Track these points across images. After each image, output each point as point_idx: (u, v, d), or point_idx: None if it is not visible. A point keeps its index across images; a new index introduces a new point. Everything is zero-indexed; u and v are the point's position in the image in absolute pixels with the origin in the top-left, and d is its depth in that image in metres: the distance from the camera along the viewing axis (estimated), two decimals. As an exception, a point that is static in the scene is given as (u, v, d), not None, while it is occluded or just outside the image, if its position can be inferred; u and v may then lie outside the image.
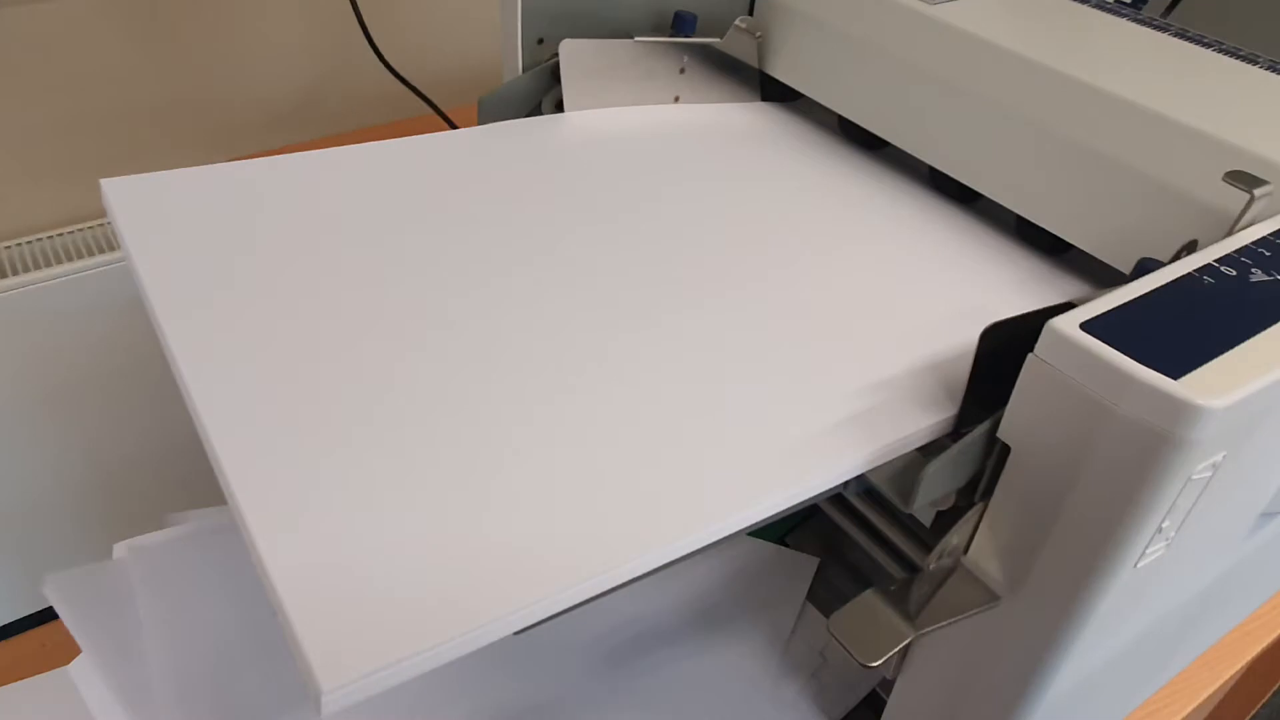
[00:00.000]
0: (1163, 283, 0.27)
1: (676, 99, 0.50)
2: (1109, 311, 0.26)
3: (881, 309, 0.36)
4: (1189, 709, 0.48)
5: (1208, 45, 0.42)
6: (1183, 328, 0.25)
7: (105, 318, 0.89)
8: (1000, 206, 0.42)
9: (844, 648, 0.26)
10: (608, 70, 0.47)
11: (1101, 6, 0.47)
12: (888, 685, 0.38)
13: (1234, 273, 0.27)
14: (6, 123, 0.84)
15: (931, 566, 0.29)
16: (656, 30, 0.49)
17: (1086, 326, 0.25)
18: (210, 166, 0.39)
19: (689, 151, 0.46)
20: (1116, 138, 0.37)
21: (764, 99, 0.53)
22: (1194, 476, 0.25)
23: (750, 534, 0.52)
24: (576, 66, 0.46)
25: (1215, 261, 0.28)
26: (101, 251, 0.87)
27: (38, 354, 0.87)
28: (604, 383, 0.31)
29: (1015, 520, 0.29)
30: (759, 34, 0.50)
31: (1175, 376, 0.24)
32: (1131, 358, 0.24)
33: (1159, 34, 0.43)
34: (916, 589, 0.29)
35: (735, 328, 0.34)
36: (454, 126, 0.72)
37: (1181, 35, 0.44)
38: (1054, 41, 0.42)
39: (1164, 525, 0.26)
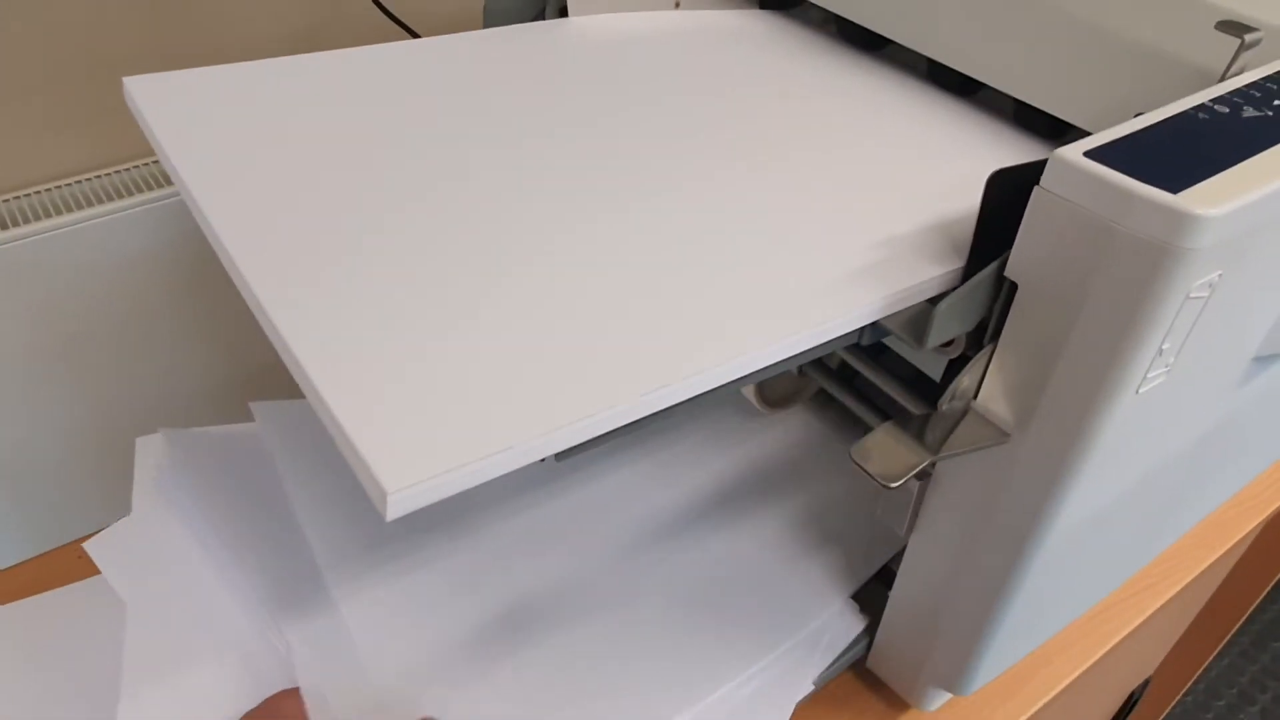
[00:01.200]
0: (1161, 119, 0.28)
1: (677, 4, 0.51)
2: (1112, 142, 0.27)
3: (885, 184, 0.37)
4: (1188, 579, 0.50)
5: None
6: (1181, 153, 0.27)
7: (109, 270, 0.89)
8: (1001, 96, 0.43)
9: (865, 471, 0.27)
10: (613, -24, 0.48)
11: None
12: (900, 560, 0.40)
13: (1227, 110, 0.29)
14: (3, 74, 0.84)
15: (944, 408, 0.31)
16: (656, -65, 0.50)
17: (1090, 154, 0.26)
18: (228, 65, 0.40)
19: (690, 53, 0.47)
20: (1105, 4, 0.38)
21: (762, 6, 0.54)
22: (1192, 294, 0.27)
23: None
24: (580, -30, 0.47)
25: (1210, 101, 0.29)
26: (100, 202, 0.87)
27: (41, 308, 0.88)
28: (626, 235, 0.32)
29: (1022, 358, 0.30)
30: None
31: (1174, 192, 0.25)
32: (1133, 178, 0.25)
33: None
34: (930, 428, 0.31)
35: (744, 200, 0.35)
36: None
37: None
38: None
39: (1164, 347, 0.28)
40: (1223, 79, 0.31)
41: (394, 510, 0.22)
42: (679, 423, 0.52)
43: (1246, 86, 0.30)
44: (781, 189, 0.36)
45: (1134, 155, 0.26)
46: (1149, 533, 0.43)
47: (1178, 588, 0.50)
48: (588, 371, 0.26)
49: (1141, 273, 0.26)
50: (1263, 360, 0.35)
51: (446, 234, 0.31)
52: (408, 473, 0.22)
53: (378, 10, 0.78)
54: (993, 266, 0.29)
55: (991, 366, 0.31)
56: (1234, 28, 0.31)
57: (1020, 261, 0.29)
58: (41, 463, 0.95)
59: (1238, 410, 0.38)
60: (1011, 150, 0.42)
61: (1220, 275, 0.27)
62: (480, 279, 0.30)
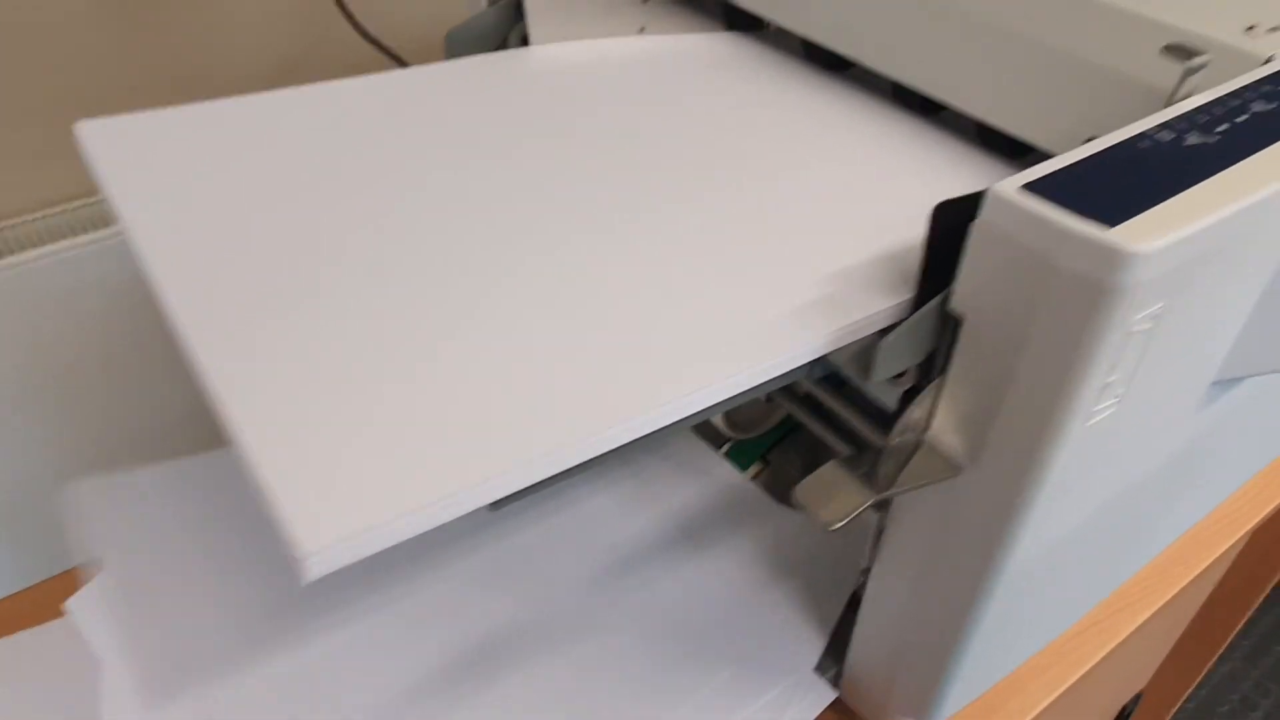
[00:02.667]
0: (1102, 148, 0.28)
1: (642, 29, 0.51)
2: (1050, 174, 0.27)
3: (842, 212, 0.37)
4: (1168, 597, 0.49)
5: None
6: (1120, 185, 0.26)
7: (93, 298, 0.89)
8: (964, 117, 0.43)
9: (808, 511, 0.27)
10: (571, 3, 0.48)
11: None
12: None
13: (1172, 136, 0.28)
14: (-15, 103, 0.84)
15: (894, 442, 0.31)
16: (616, -39, 0.50)
17: (1028, 187, 0.26)
18: (181, 107, 0.40)
19: (652, 80, 0.47)
20: (1057, 26, 0.38)
21: (730, 28, 0.54)
22: (1134, 328, 0.26)
23: (734, 450, 0.53)
24: (540, 2, 0.47)
25: (1153, 128, 0.29)
26: (88, 231, 0.87)
27: (31, 337, 0.88)
28: (571, 273, 0.32)
29: (971, 391, 0.30)
30: (720, -39, 0.51)
31: (1110, 226, 0.25)
32: (1069, 211, 0.25)
33: None
34: (882, 463, 0.31)
35: (696, 230, 0.35)
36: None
37: None
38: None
39: (1111, 381, 0.28)
40: (1169, 103, 0.31)
41: (312, 572, 0.22)
42: (640, 454, 0.52)
43: (1192, 112, 0.30)
44: (738, 219, 0.36)
45: (1072, 187, 0.26)
46: (1119, 555, 0.43)
47: (1157, 605, 0.49)
48: (522, 417, 0.26)
49: (1080, 309, 0.25)
50: (1223, 384, 0.35)
51: (387, 278, 0.31)
52: (326, 531, 0.22)
53: (364, 37, 0.79)
54: (936, 301, 0.29)
55: (941, 400, 0.31)
56: (1179, 52, 0.31)
57: (964, 295, 0.28)
58: (31, 493, 0.95)
59: (1202, 432, 0.37)
60: (973, 172, 0.42)
61: (1163, 306, 0.27)
62: (420, 322, 0.29)
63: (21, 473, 0.93)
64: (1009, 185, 0.26)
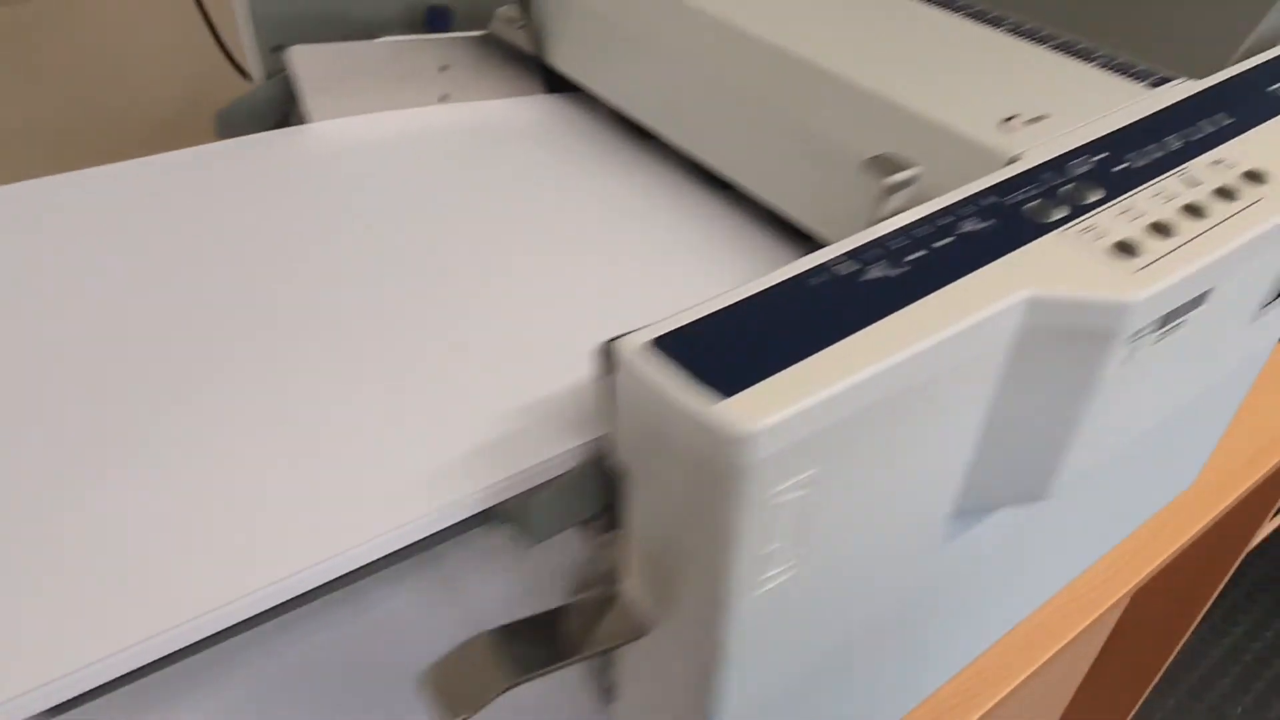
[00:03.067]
0: (766, 286, 0.25)
1: (444, 97, 0.48)
2: (694, 322, 0.24)
3: (573, 318, 0.34)
4: (1004, 691, 0.46)
5: (997, 25, 0.39)
6: (768, 336, 0.23)
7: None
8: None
9: (434, 701, 0.24)
10: (354, 75, 0.45)
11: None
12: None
13: (852, 269, 0.25)
14: None
15: (577, 598, 0.28)
16: (408, 28, 0.47)
17: (661, 341, 0.23)
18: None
19: (443, 155, 0.44)
20: (821, 111, 0.35)
21: (551, 90, 0.51)
22: (780, 500, 0.23)
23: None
24: (313, 74, 0.44)
25: (833, 259, 0.26)
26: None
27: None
28: (222, 406, 0.29)
29: (646, 549, 0.27)
30: (524, 23, 0.48)
31: (725, 396, 0.22)
32: (695, 376, 0.22)
33: (943, 11, 0.40)
34: (562, 622, 0.28)
35: (393, 350, 0.32)
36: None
37: (976, 15, 0.40)
38: (784, 13, 0.39)
39: (773, 550, 0.25)
40: (870, 223, 0.28)
41: None
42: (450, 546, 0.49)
43: (889, 235, 0.26)
44: (454, 330, 0.33)
45: (712, 340, 0.23)
46: (903, 678, 0.39)
47: (992, 701, 0.46)
48: (94, 603, 0.23)
49: (709, 483, 0.22)
50: (971, 514, 0.31)
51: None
52: None
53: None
54: (593, 454, 0.26)
55: (625, 552, 0.28)
56: (881, 166, 0.28)
57: (622, 449, 0.25)
58: None
59: (968, 559, 0.34)
60: (752, 259, 0.39)
61: (817, 473, 0.24)
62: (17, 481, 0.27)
63: None
64: (636, 339, 0.23)
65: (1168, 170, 0.29)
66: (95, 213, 0.39)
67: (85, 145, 0.91)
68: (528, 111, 0.49)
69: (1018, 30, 0.38)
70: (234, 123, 0.44)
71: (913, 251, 0.26)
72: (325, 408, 0.30)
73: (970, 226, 0.27)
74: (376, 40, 0.45)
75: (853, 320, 0.24)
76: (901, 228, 0.27)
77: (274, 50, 0.44)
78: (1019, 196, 0.28)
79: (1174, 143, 0.31)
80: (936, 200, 0.28)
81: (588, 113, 0.49)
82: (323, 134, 0.45)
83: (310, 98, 0.45)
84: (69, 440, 0.28)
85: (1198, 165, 0.30)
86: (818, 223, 0.37)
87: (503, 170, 0.43)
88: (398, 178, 0.42)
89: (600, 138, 0.47)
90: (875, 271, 0.25)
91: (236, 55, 0.81)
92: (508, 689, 0.25)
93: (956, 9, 0.40)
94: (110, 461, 0.27)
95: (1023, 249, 0.26)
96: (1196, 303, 0.27)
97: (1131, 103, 0.33)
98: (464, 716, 0.24)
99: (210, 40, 0.91)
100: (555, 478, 0.26)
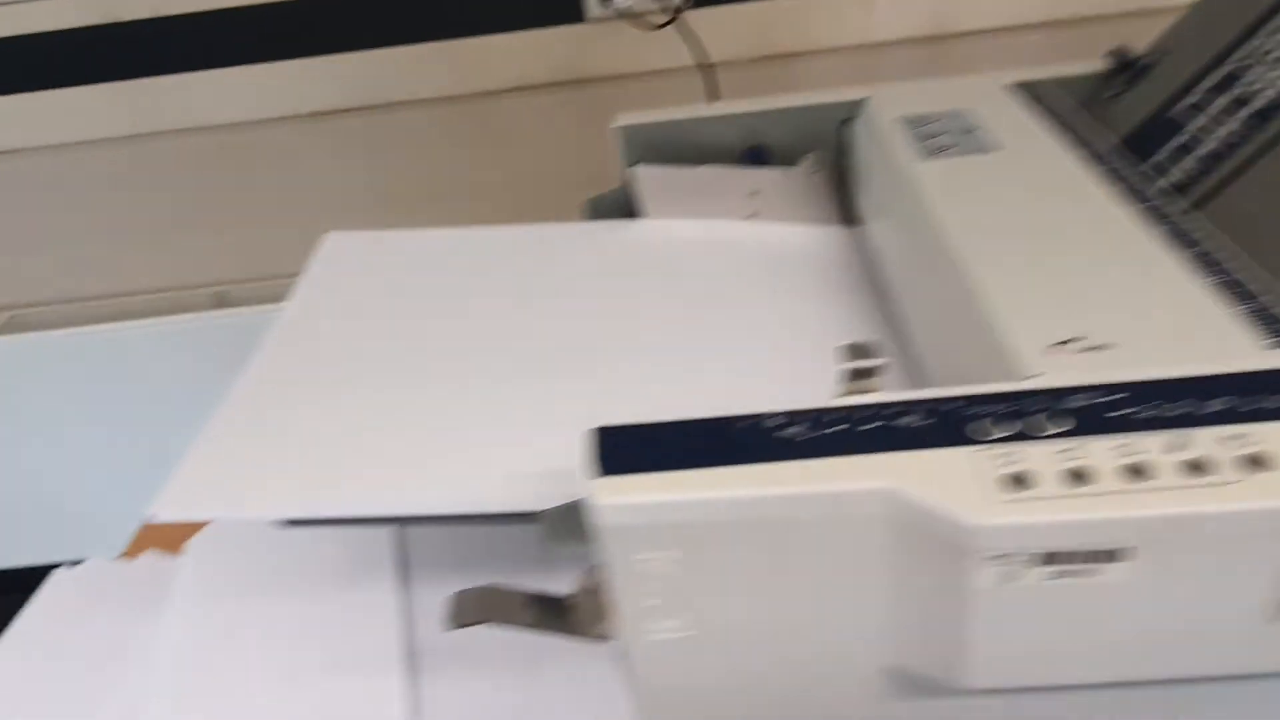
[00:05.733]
0: (708, 417, 0.33)
1: (752, 215, 0.60)
2: (640, 424, 0.33)
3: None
4: None
5: (1188, 246, 0.39)
6: (673, 449, 0.32)
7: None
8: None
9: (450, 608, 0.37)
10: (681, 190, 0.60)
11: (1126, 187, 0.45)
12: None
13: (778, 423, 0.32)
14: (480, 182, 1.21)
15: (568, 594, 0.39)
16: (732, 159, 0.60)
17: (603, 430, 0.33)
18: (410, 231, 0.62)
19: (742, 259, 0.57)
20: (944, 289, 0.39)
21: (847, 222, 0.60)
22: (646, 566, 0.32)
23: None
24: (650, 186, 0.60)
25: (767, 414, 0.32)
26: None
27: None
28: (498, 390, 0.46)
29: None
30: (818, 171, 0.58)
31: (609, 475, 0.31)
32: (602, 458, 0.32)
33: (1137, 224, 0.41)
34: (551, 605, 0.39)
35: (591, 384, 0.46)
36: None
37: (1176, 233, 0.40)
38: (985, 211, 0.43)
39: (653, 605, 0.33)
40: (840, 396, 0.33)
41: (158, 515, 0.40)
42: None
43: (837, 409, 0.32)
44: (621, 382, 0.46)
45: (638, 439, 0.33)
46: None
47: None
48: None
49: (599, 537, 0.32)
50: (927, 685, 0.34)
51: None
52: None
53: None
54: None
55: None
56: (851, 352, 0.33)
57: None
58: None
59: None
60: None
61: (681, 555, 0.31)
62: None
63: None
64: (595, 428, 0.34)
65: (1168, 428, 0.29)
66: (506, 258, 0.59)
67: (514, 197, 1.22)
68: (818, 237, 0.58)
69: (1202, 256, 0.38)
70: (599, 208, 0.62)
71: (836, 425, 0.31)
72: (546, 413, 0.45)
73: (905, 421, 0.31)
74: (704, 166, 0.59)
75: (738, 457, 0.31)
76: (849, 405, 0.32)
77: (632, 165, 0.61)
78: (977, 410, 0.31)
79: (1213, 405, 0.30)
80: (905, 391, 0.32)
81: (859, 248, 0.57)
82: (655, 228, 0.60)
83: (649, 201, 0.60)
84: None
85: (1207, 433, 0.29)
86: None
87: (781, 281, 0.54)
88: (702, 269, 0.56)
89: (853, 269, 0.55)
90: (791, 431, 0.32)
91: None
92: (489, 623, 0.37)
93: (1165, 222, 0.40)
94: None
95: (922, 451, 0.30)
96: (1104, 557, 0.28)
97: (1224, 357, 0.32)
98: (455, 628, 0.37)
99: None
100: (563, 504, 0.38)
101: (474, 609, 0.37)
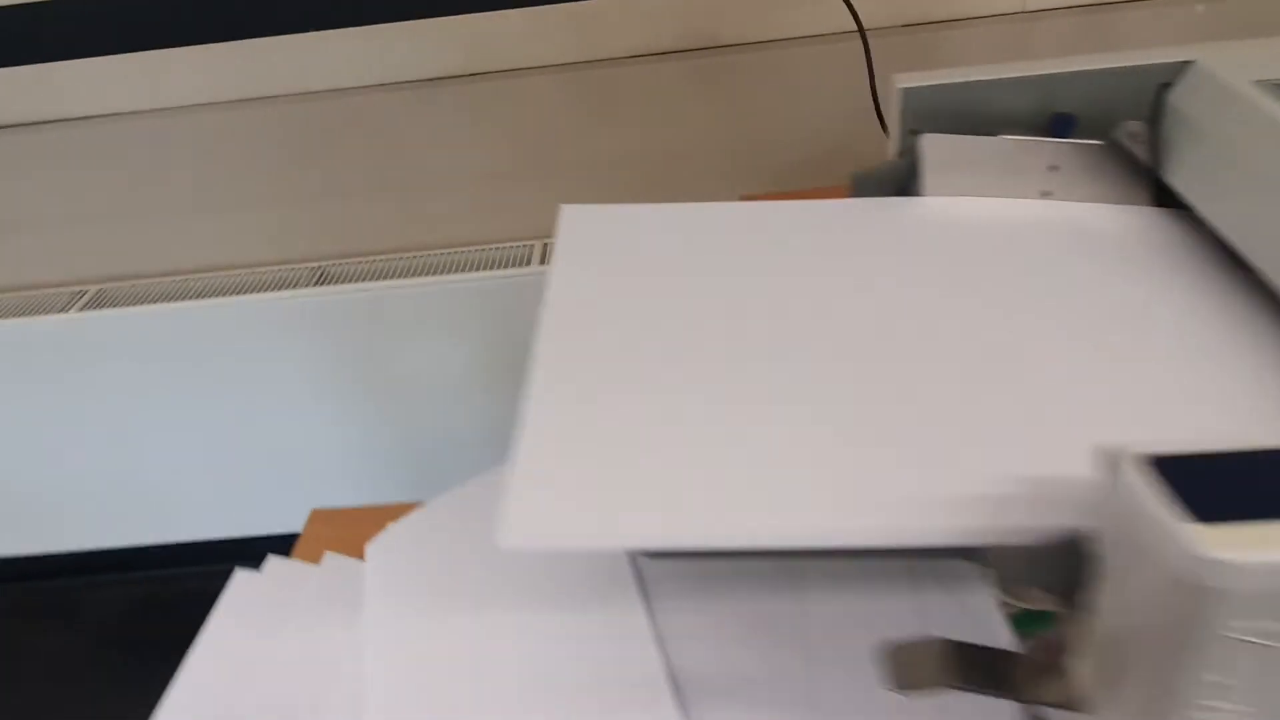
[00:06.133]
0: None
1: (1046, 194, 0.53)
2: (1198, 454, 0.27)
3: (1091, 413, 0.37)
4: None
5: None
6: (1263, 491, 0.25)
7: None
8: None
9: (884, 672, 0.31)
10: (969, 163, 0.53)
11: None
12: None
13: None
14: (602, 151, 1.14)
15: (1027, 652, 0.32)
16: (1030, 130, 0.53)
17: (1160, 461, 0.27)
18: (637, 205, 0.55)
19: (1037, 253, 0.50)
20: None
21: (1159, 203, 0.53)
22: (1240, 638, 0.25)
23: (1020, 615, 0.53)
24: (936, 159, 0.52)
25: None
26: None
27: (486, 336, 1.18)
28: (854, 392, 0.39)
29: (1102, 638, 0.30)
30: (1147, 138, 0.50)
31: (1209, 523, 0.24)
32: (1182, 499, 0.25)
33: None
34: (1007, 663, 0.32)
35: (968, 400, 0.39)
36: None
37: None
38: None
39: (1227, 685, 0.26)
40: None
41: (504, 542, 0.34)
42: (927, 578, 0.54)
43: None
44: (983, 396, 0.39)
45: (1209, 474, 0.26)
46: None
47: None
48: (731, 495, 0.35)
49: (1175, 598, 0.25)
50: None
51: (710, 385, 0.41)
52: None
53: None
54: (1071, 535, 0.30)
55: (1082, 629, 0.31)
56: None
57: (1100, 540, 0.29)
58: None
59: None
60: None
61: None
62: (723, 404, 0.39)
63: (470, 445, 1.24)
64: (1140, 452, 0.27)
65: None
66: (772, 235, 0.52)
67: (745, 167, 1.14)
68: (1127, 220, 0.51)
69: None
70: (865, 184, 0.55)
71: None
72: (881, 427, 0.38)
73: None
74: (996, 137, 0.52)
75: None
76: None
77: (911, 133, 0.53)
78: None
79: None
80: None
81: (1190, 233, 0.50)
82: (934, 207, 0.53)
83: (929, 176, 0.53)
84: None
85: None
86: None
87: (1077, 268, 0.47)
88: (990, 256, 0.49)
89: (1194, 259, 0.48)
90: None
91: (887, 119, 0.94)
92: (948, 689, 0.31)
93: None
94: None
95: None
96: None
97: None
98: (908, 693, 0.30)
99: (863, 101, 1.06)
100: (1033, 543, 0.31)
101: (925, 670, 0.31)
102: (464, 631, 0.48)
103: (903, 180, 0.55)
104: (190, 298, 1.16)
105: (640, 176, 1.16)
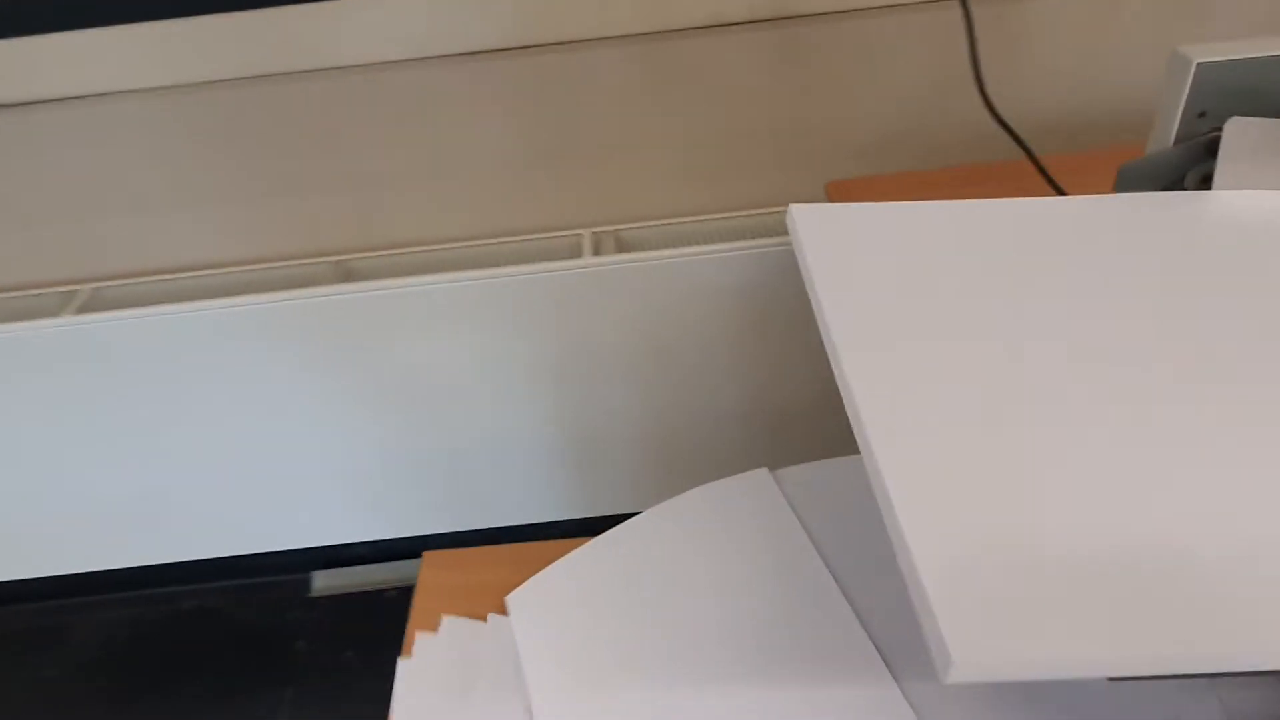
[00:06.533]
0: None
1: (1351, 186, 0.46)
2: None
3: None
4: None
5: None
6: None
7: (705, 297, 1.06)
8: None
9: None
10: (1271, 151, 0.45)
11: None
12: None
13: None
14: (665, 132, 1.04)
15: None
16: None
17: None
18: (873, 205, 0.47)
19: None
20: None
21: None
22: None
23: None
24: (1239, 145, 0.45)
25: None
26: (710, 242, 1.04)
27: (650, 315, 1.08)
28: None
29: None
30: None
31: None
32: None
33: None
34: None
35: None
36: (1048, 177, 0.73)
37: None
38: None
39: None
40: None
41: (955, 677, 0.25)
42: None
43: None
44: None
45: None
46: None
47: None
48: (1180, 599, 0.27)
49: None
50: None
51: (1074, 409, 0.34)
52: (975, 649, 0.25)
53: (986, 111, 0.81)
54: None
55: None
56: None
57: None
58: (610, 442, 1.17)
59: None
60: None
61: None
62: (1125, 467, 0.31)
63: (608, 417, 1.15)
64: None
65: None
66: (1041, 239, 0.44)
67: (826, 146, 1.06)
68: None
69: None
70: (1136, 177, 0.47)
71: None
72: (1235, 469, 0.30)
73: None
74: (1309, 120, 0.45)
75: None
76: None
77: (1199, 116, 0.46)
78: None
79: None
80: None
81: None
82: (1223, 201, 0.46)
83: (1222, 164, 0.46)
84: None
85: None
86: None
87: None
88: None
89: None
90: None
91: (989, 88, 0.87)
92: None
93: None
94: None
95: None
96: None
97: None
98: None
99: (956, 64, 0.99)
100: None
101: None
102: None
103: (1181, 172, 0.47)
104: (180, 299, 1.04)
105: (710, 159, 1.07)
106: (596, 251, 1.08)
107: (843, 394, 0.36)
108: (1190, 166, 0.47)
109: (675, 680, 0.42)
